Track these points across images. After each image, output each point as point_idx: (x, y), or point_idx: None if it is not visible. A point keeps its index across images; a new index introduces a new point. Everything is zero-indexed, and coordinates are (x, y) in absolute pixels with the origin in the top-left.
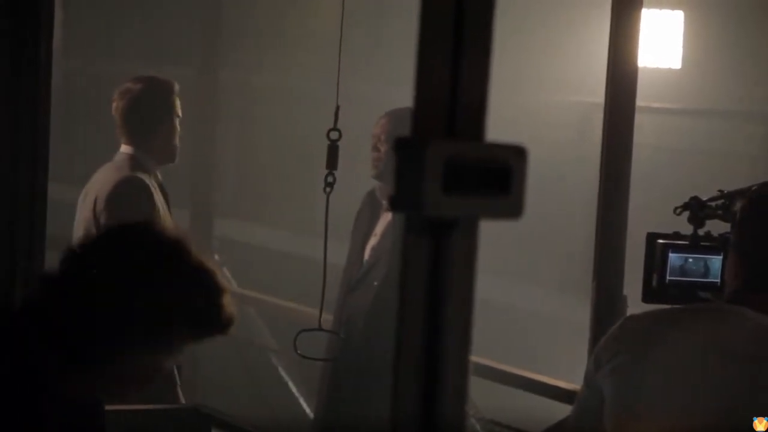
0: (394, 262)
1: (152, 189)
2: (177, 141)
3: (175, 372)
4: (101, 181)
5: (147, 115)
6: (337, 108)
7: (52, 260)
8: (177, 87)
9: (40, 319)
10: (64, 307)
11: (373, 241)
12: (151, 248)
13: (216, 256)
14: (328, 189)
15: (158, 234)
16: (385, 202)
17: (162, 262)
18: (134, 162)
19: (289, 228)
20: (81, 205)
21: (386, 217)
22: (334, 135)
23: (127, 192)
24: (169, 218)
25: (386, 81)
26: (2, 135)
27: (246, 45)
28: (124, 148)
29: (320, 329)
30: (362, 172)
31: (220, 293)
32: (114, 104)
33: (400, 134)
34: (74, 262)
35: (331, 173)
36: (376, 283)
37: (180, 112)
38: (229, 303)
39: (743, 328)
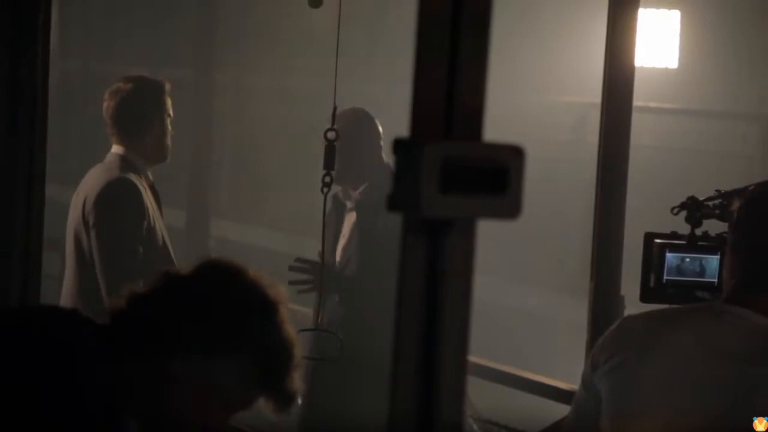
0: (362, 260)
1: (141, 190)
2: (168, 141)
3: None
4: (91, 182)
5: (137, 115)
6: (335, 108)
7: (48, 261)
8: (168, 86)
9: (122, 337)
10: (146, 327)
11: (342, 242)
12: (253, 298)
13: (212, 256)
14: (325, 189)
15: (264, 287)
16: (348, 203)
17: (258, 314)
18: (124, 163)
19: (285, 228)
20: (72, 206)
21: (350, 218)
22: (331, 135)
23: (116, 193)
24: (160, 219)
25: (384, 81)
26: None
27: (243, 46)
28: (115, 149)
29: (317, 329)
30: None
31: (295, 365)
32: (105, 104)
33: (347, 132)
34: (171, 289)
35: (328, 173)
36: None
37: (171, 112)
38: (298, 380)
39: (740, 329)
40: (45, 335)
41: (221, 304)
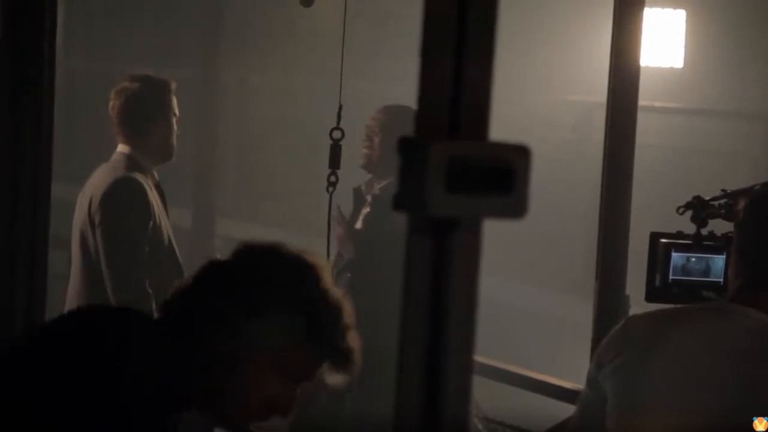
0: (363, 252)
1: (147, 189)
2: (174, 140)
3: None
4: (97, 181)
5: (143, 114)
6: (340, 107)
7: (54, 260)
8: (174, 85)
9: (172, 327)
10: (192, 313)
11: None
12: (293, 264)
13: (219, 256)
14: (330, 188)
15: (303, 254)
16: (368, 197)
17: (300, 277)
18: (130, 162)
19: (291, 227)
20: (78, 205)
21: (365, 211)
22: (336, 134)
23: (121, 192)
24: (165, 218)
25: (389, 80)
26: (5, 134)
27: (247, 45)
28: (121, 148)
29: None
30: (364, 172)
31: (346, 324)
32: (111, 103)
33: (395, 127)
34: (211, 272)
35: (333, 173)
36: (349, 275)
37: (177, 111)
38: (353, 338)
39: (745, 328)
40: (98, 333)
41: (262, 274)
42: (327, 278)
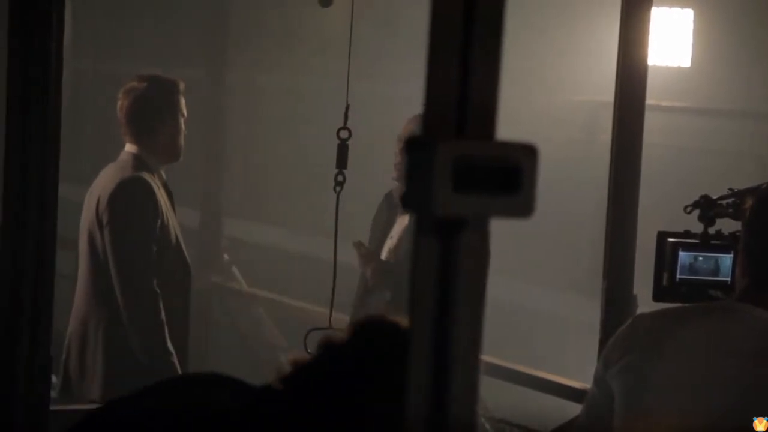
0: (408, 264)
1: (155, 189)
2: (181, 140)
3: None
4: (104, 181)
5: (151, 114)
6: (347, 107)
7: (62, 260)
8: (182, 86)
9: (290, 407)
10: (326, 400)
11: (389, 243)
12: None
13: (226, 256)
14: (338, 188)
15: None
16: None
17: None
18: (138, 162)
19: (298, 228)
20: (86, 205)
21: (403, 220)
22: (344, 134)
23: (129, 192)
24: (173, 218)
25: (397, 80)
26: (13, 134)
27: (254, 45)
28: (129, 147)
29: (330, 328)
30: (371, 172)
31: None
32: (119, 103)
33: None
34: (334, 355)
35: (340, 172)
36: (388, 294)
37: (185, 111)
38: None
39: (751, 328)
40: (225, 407)
41: (393, 357)
42: None
